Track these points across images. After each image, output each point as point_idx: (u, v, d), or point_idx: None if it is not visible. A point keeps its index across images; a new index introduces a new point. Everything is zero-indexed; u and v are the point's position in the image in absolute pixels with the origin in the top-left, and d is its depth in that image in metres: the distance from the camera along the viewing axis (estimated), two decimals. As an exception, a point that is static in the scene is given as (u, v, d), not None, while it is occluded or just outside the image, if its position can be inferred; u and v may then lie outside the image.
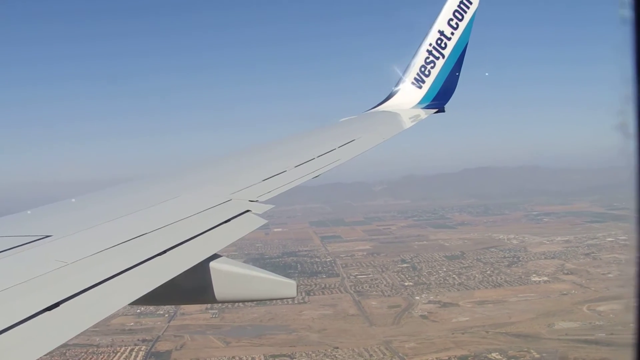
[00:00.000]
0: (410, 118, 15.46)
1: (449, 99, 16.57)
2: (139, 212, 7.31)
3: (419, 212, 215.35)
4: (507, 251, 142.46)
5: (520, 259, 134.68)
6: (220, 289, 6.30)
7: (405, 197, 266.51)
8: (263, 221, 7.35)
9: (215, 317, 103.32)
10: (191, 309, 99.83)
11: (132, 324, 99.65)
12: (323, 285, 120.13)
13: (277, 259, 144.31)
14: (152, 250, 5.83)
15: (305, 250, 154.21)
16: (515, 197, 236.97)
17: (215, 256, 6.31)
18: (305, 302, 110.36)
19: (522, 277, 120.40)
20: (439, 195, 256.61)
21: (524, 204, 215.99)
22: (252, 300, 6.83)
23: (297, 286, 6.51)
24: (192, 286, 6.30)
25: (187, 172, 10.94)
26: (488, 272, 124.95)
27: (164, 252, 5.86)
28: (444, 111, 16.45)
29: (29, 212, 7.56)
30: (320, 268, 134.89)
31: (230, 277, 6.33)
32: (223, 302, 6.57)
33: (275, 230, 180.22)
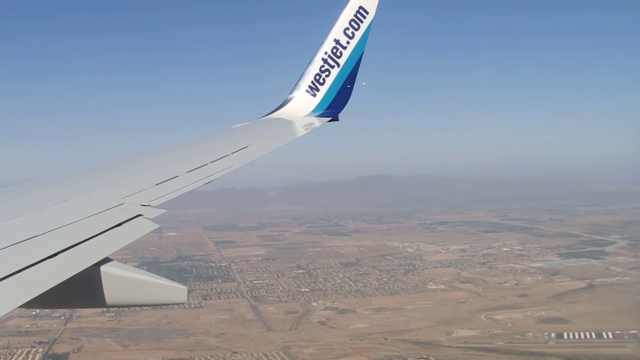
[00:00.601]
0: (304, 126, 15.48)
1: (342, 108, 16.55)
2: (30, 214, 7.14)
3: (313, 219, 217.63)
4: (403, 259, 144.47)
5: (416, 267, 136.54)
6: (111, 293, 6.04)
7: (299, 203, 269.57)
8: (155, 225, 7.14)
9: (111, 319, 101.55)
10: (87, 312, 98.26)
11: (27, 325, 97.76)
12: (219, 290, 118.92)
13: (172, 263, 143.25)
14: (43, 252, 5.60)
15: (200, 255, 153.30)
16: (409, 205, 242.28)
17: (106, 260, 6.04)
18: (202, 307, 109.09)
19: (419, 285, 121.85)
20: (333, 203, 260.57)
21: (418, 213, 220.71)
22: (143, 305, 6.51)
23: (188, 292, 6.28)
24: (83, 290, 6.02)
25: (79, 175, 10.71)
26: (384, 279, 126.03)
27: (55, 254, 5.65)
28: (337, 120, 16.41)
29: None
30: (215, 273, 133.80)
31: (121, 281, 6.04)
32: (114, 306, 6.30)
33: (169, 234, 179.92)
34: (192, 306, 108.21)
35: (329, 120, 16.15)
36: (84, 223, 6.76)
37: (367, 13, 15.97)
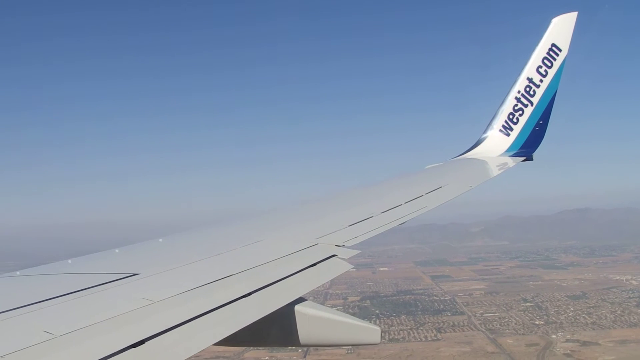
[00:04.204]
0: (497, 166, 15.23)
1: (537, 148, 16.40)
2: (225, 254, 7.35)
3: (522, 253, 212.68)
4: (630, 292, 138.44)
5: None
6: (305, 332, 6.21)
7: (503, 238, 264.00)
8: (349, 266, 7.21)
9: (350, 352, 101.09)
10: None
11: (266, 358, 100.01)
12: (451, 323, 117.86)
13: (394, 297, 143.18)
14: (237, 291, 5.80)
15: (420, 289, 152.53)
16: (617, 238, 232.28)
17: (300, 299, 6.23)
18: (439, 339, 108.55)
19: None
20: (538, 237, 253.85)
21: (630, 246, 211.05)
22: (336, 345, 6.45)
23: (381, 332, 6.38)
24: (277, 329, 6.23)
25: (273, 215, 10.95)
26: (618, 312, 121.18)
27: (250, 294, 5.83)
28: (532, 159, 16.22)
29: (116, 250, 7.69)
30: (442, 306, 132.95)
31: (315, 321, 6.20)
32: (307, 345, 6.42)
33: (381, 269, 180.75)
34: (429, 339, 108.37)
35: (523, 160, 15.98)
36: (279, 263, 6.92)
37: (560, 50, 15.89)
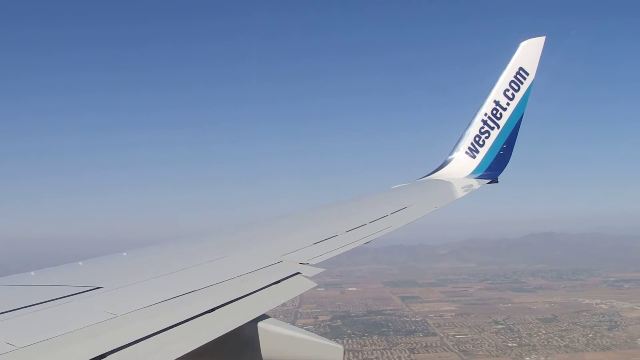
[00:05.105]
0: (463, 188, 15.33)
1: (502, 170, 16.42)
2: (190, 269, 7.39)
3: (490, 276, 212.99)
4: (601, 315, 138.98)
5: (618, 323, 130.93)
6: (267, 349, 6.12)
7: (470, 260, 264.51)
8: (313, 284, 7.16)
9: None
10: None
11: None
12: (424, 344, 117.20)
13: (365, 317, 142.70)
14: (201, 307, 5.79)
15: (390, 309, 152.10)
16: (583, 263, 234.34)
17: (263, 316, 6.18)
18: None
19: (629, 340, 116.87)
20: (505, 260, 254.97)
21: (597, 270, 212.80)
22: None
23: (344, 351, 6.22)
24: (240, 345, 6.15)
25: (239, 232, 10.99)
26: (590, 335, 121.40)
27: (213, 309, 5.83)
28: (497, 182, 16.23)
29: (80, 263, 7.67)
30: (413, 327, 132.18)
31: (279, 338, 6.13)
32: None
33: (350, 289, 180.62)
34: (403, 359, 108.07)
35: (489, 182, 16.02)
36: (243, 279, 6.94)
37: (528, 74, 15.96)
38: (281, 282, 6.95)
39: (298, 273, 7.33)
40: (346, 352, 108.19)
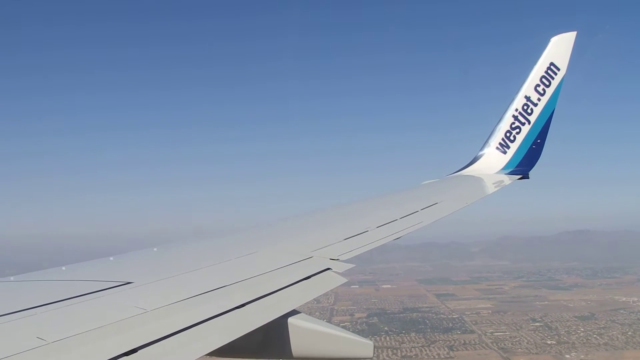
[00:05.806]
0: (493, 183, 15.27)
1: (533, 166, 16.38)
2: (220, 265, 7.34)
3: (525, 273, 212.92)
4: (638, 313, 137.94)
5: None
6: (297, 345, 6.14)
7: (503, 258, 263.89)
8: (343, 280, 7.19)
9: None
10: None
11: None
12: (462, 342, 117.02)
13: (401, 315, 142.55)
14: (231, 302, 5.79)
15: (426, 307, 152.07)
16: (618, 261, 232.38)
17: (293, 312, 6.19)
18: (452, 358, 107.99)
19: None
20: (539, 257, 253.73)
21: (632, 268, 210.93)
22: (329, 358, 6.34)
23: (374, 347, 6.28)
24: (270, 341, 6.17)
25: (269, 227, 10.89)
26: (629, 333, 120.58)
27: (243, 305, 5.82)
28: (528, 177, 16.20)
29: (111, 258, 7.61)
30: (450, 324, 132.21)
31: (308, 334, 6.14)
32: (299, 358, 6.29)
33: (384, 286, 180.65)
34: (443, 357, 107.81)
35: (519, 178, 15.98)
36: (274, 275, 6.92)
37: (559, 69, 15.91)
38: (311, 278, 6.99)
39: (328, 269, 7.37)
40: (385, 349, 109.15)
